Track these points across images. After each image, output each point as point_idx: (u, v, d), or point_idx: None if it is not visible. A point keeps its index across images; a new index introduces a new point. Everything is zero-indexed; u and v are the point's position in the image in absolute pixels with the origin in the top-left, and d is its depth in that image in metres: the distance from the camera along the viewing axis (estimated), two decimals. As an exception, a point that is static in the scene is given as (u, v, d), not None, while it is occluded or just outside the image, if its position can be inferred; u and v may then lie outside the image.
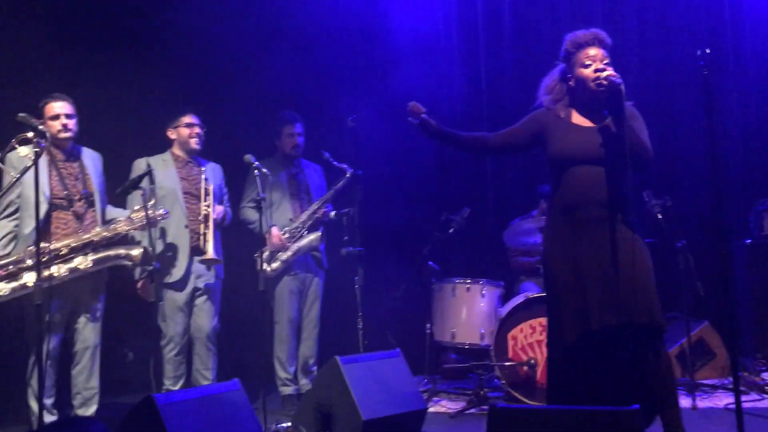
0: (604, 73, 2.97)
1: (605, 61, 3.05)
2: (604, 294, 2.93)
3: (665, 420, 2.94)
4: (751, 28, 5.65)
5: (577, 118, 3.13)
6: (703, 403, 4.27)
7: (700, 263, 4.50)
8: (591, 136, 3.05)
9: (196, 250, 4.28)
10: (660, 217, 4.34)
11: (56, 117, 3.83)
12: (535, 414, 2.22)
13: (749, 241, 5.10)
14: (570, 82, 3.12)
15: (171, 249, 4.23)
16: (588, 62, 3.04)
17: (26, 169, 3.33)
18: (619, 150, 2.91)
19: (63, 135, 3.84)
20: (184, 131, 4.35)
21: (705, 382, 4.71)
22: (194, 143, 4.36)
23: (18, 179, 3.43)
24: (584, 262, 2.98)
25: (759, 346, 5.00)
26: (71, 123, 3.88)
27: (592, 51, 3.05)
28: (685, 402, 4.05)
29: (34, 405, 3.67)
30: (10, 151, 3.56)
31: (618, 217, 2.99)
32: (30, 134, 3.30)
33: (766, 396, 4.36)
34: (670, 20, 5.69)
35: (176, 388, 4.20)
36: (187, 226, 4.26)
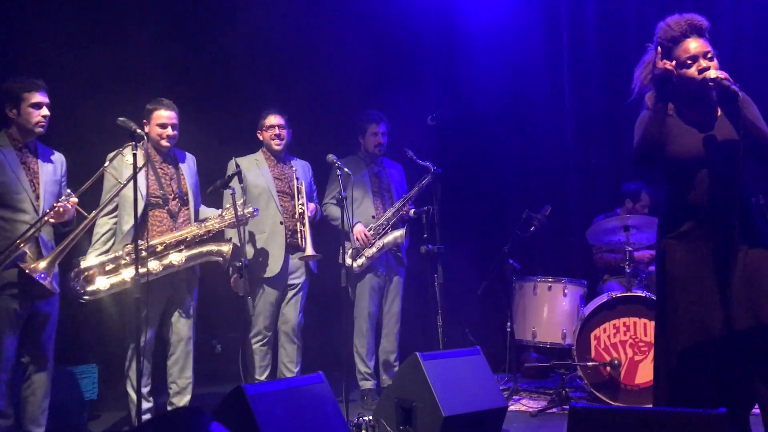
0: (711, 74, 2.79)
1: (708, 55, 2.85)
2: (724, 300, 2.80)
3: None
4: None
5: (687, 117, 2.94)
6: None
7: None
8: (706, 137, 2.89)
9: (292, 247, 4.42)
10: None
11: (163, 126, 4.01)
12: (615, 414, 2.21)
13: None
14: (670, 72, 2.88)
15: (268, 245, 4.38)
16: (689, 60, 2.85)
17: (131, 177, 3.50)
18: (737, 151, 2.78)
19: (165, 144, 4.03)
20: (268, 133, 4.51)
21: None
22: (275, 144, 4.49)
23: (124, 186, 3.65)
24: (707, 269, 2.85)
25: None
26: (174, 133, 4.06)
27: (692, 44, 2.85)
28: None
29: (132, 393, 3.89)
30: (116, 156, 3.79)
31: (734, 223, 2.82)
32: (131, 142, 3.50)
33: None
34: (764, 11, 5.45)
35: (262, 378, 4.36)
36: (282, 223, 4.40)
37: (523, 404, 4.56)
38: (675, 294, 2.89)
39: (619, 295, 4.48)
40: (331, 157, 4.32)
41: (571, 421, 2.35)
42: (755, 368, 2.82)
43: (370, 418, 3.77)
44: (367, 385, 4.72)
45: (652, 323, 4.32)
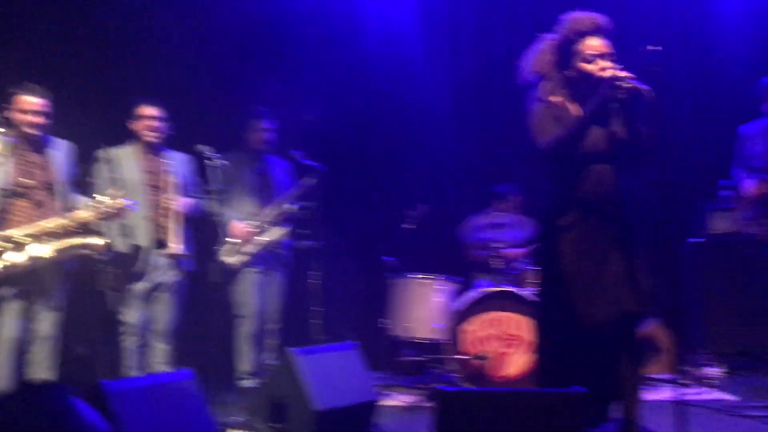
0: (621, 73, 2.88)
1: (610, 55, 2.96)
2: (608, 284, 2.98)
3: (627, 405, 3.03)
4: (700, 25, 5.75)
5: (576, 110, 3.06)
6: (650, 396, 4.39)
7: (652, 261, 4.61)
8: (602, 132, 3.03)
9: (160, 243, 4.28)
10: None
11: (23, 111, 3.79)
12: (478, 395, 2.28)
13: (697, 239, 5.25)
14: (568, 73, 3.02)
15: (135, 240, 4.22)
16: (591, 56, 2.96)
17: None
18: (626, 148, 2.98)
19: (29, 131, 3.81)
20: (142, 123, 4.34)
21: (653, 376, 4.84)
22: (148, 136, 4.34)
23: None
24: (596, 253, 3.00)
25: (705, 342, 5.16)
26: (41, 119, 3.83)
27: (596, 42, 2.96)
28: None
29: None
30: None
31: (617, 210, 3.05)
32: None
33: (709, 389, 4.51)
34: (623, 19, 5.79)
35: (131, 379, 4.19)
36: (148, 218, 4.25)
37: (398, 399, 4.62)
38: (558, 284, 3.02)
39: (488, 291, 4.64)
40: (201, 147, 4.21)
41: (437, 405, 2.41)
42: (621, 355, 3.01)
43: (243, 417, 3.70)
44: (247, 384, 4.64)
45: (520, 317, 4.53)
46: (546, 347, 3.13)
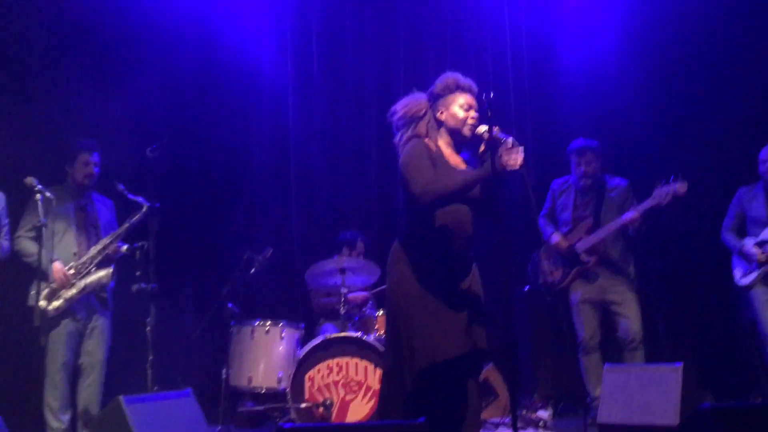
0: (482, 127, 3.14)
1: (475, 110, 3.25)
2: (461, 321, 3.09)
3: None
4: (529, 71, 6.14)
5: (450, 156, 3.25)
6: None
7: (486, 306, 4.79)
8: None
9: None
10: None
11: None
12: (321, 431, 2.21)
13: (527, 287, 5.54)
14: (439, 116, 3.25)
15: None
16: (465, 106, 3.23)
17: None
18: (488, 192, 3.17)
19: None
20: None
21: (489, 420, 4.98)
22: None
23: None
24: (446, 291, 3.12)
25: (536, 385, 5.40)
26: None
27: (470, 98, 3.26)
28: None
29: None
30: None
31: (470, 250, 3.23)
32: None
33: (541, 431, 4.70)
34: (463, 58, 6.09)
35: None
36: None
37: (236, 451, 4.40)
38: (412, 318, 3.08)
39: (332, 336, 4.60)
40: (30, 180, 3.87)
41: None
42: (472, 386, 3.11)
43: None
44: (56, 426, 4.22)
45: (364, 362, 4.51)
46: (390, 390, 3.11)
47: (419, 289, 3.11)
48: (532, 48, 6.16)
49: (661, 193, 4.57)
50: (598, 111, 5.88)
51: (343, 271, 4.82)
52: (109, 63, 5.33)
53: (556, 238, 4.95)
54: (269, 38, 5.99)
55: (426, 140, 3.22)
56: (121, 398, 3.32)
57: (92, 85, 5.10)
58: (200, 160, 5.71)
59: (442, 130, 3.27)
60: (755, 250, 4.72)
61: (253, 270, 4.93)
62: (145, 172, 4.65)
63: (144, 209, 4.36)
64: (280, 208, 5.90)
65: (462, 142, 3.28)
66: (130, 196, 4.38)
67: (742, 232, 5.00)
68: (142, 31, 5.48)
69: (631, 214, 4.64)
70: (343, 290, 4.83)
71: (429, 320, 3.06)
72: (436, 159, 3.18)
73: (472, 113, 3.25)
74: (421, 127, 3.25)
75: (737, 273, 4.95)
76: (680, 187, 4.54)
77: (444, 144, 3.27)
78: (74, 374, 4.38)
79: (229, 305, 4.89)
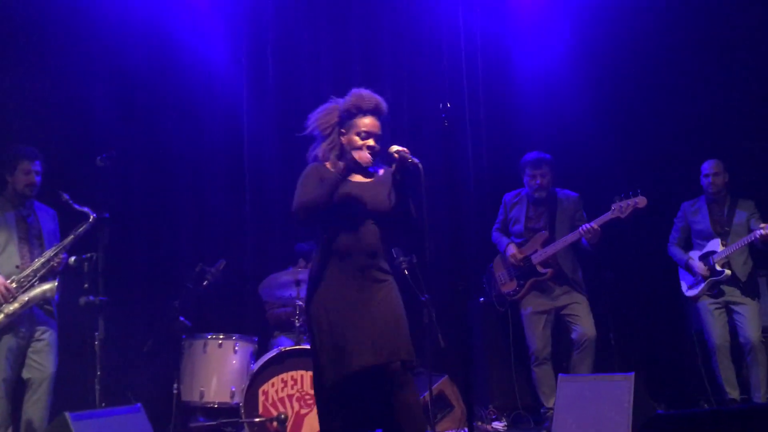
0: (394, 147, 3.14)
1: (378, 135, 3.23)
2: (365, 335, 3.06)
3: None
4: (485, 84, 6.22)
5: (352, 176, 3.22)
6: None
7: (441, 318, 4.79)
8: (365, 191, 3.21)
9: None
10: (406, 273, 4.56)
11: None
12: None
13: (483, 299, 5.57)
14: (342, 138, 3.25)
15: None
16: (364, 133, 3.20)
17: None
18: (399, 208, 3.18)
19: None
20: None
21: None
22: None
23: None
24: (350, 306, 3.11)
25: (491, 397, 5.42)
26: None
27: (369, 120, 3.21)
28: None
29: None
30: None
31: (379, 265, 3.20)
32: None
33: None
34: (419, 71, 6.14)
35: None
36: None
37: (187, 468, 4.30)
38: (320, 335, 3.13)
39: (287, 349, 4.54)
40: None
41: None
42: (381, 404, 3.08)
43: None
44: None
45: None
46: (317, 398, 3.20)
47: (323, 308, 3.15)
48: (488, 54, 6.27)
49: (621, 207, 4.66)
50: (552, 119, 6.05)
51: (298, 282, 4.77)
52: (53, 64, 5.18)
53: (511, 249, 5.00)
54: (223, 42, 5.92)
55: (326, 164, 3.25)
56: (68, 415, 3.24)
57: (34, 88, 4.97)
58: (151, 169, 5.59)
59: (344, 151, 3.26)
60: (700, 267, 4.88)
61: (205, 282, 4.84)
62: (93, 181, 4.54)
63: (91, 219, 4.24)
64: (234, 219, 5.81)
65: (361, 167, 3.23)
66: (76, 206, 4.26)
67: (689, 245, 5.14)
68: (89, 30, 5.36)
69: (590, 226, 4.71)
70: (299, 302, 4.79)
71: (331, 339, 3.09)
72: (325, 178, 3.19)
73: (370, 142, 3.22)
74: (324, 147, 3.29)
75: (684, 285, 5.08)
76: (641, 200, 4.64)
77: (343, 165, 3.25)
78: (16, 390, 4.23)
79: (181, 318, 4.78)
